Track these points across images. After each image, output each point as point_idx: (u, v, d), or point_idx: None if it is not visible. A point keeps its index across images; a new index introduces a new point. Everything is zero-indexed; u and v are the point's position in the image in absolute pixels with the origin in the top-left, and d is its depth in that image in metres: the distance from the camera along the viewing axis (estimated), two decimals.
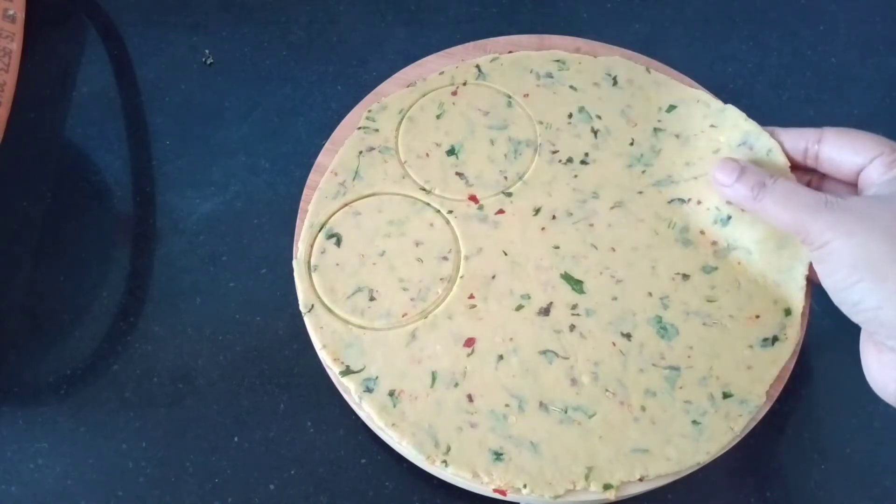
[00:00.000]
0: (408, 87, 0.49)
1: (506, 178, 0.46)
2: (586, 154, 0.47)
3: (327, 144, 0.47)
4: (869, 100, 0.54)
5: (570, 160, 0.46)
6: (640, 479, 0.38)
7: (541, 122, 0.48)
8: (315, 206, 0.45)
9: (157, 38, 0.55)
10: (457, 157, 0.47)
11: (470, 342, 0.41)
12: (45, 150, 0.51)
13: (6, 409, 0.43)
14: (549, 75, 0.49)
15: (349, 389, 0.40)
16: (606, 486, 0.37)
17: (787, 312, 0.42)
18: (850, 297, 0.34)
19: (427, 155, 0.47)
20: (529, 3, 0.57)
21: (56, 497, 0.40)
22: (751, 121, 0.44)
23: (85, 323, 0.45)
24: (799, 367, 0.41)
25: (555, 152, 0.47)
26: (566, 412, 0.39)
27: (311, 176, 0.46)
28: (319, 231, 0.44)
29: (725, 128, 0.45)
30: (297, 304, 0.42)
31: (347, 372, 0.40)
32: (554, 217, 0.45)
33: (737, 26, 0.57)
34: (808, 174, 0.42)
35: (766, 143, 0.43)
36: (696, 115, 0.47)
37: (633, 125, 0.48)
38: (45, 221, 0.48)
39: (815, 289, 0.41)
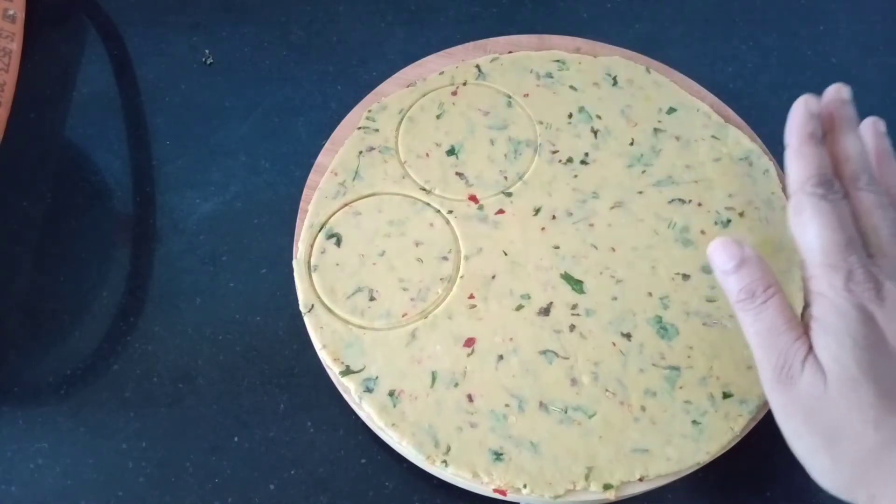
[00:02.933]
0: (408, 87, 0.49)
1: (506, 178, 0.46)
2: (586, 154, 0.47)
3: (327, 144, 0.47)
4: (869, 100, 0.54)
5: (570, 160, 0.47)
6: (640, 479, 0.38)
7: (541, 122, 0.48)
8: (315, 206, 0.45)
9: (157, 38, 0.55)
10: (457, 157, 0.47)
11: (470, 342, 0.41)
12: (45, 150, 0.51)
13: (6, 409, 0.43)
14: (549, 75, 0.49)
15: (349, 389, 0.40)
16: (606, 486, 0.37)
17: None
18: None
19: (427, 155, 0.47)
20: (529, 3, 0.57)
21: (56, 497, 0.40)
22: (757, 140, 0.46)
23: (85, 323, 0.45)
24: None
25: (555, 152, 0.47)
26: (566, 412, 0.39)
27: (311, 176, 0.46)
28: (319, 231, 0.44)
29: (728, 141, 0.46)
30: (297, 304, 0.42)
31: (347, 372, 0.40)
32: (554, 217, 0.45)
33: (737, 26, 0.57)
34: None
35: (765, 163, 0.45)
36: (696, 123, 0.47)
37: (633, 125, 0.48)
38: (45, 221, 0.48)
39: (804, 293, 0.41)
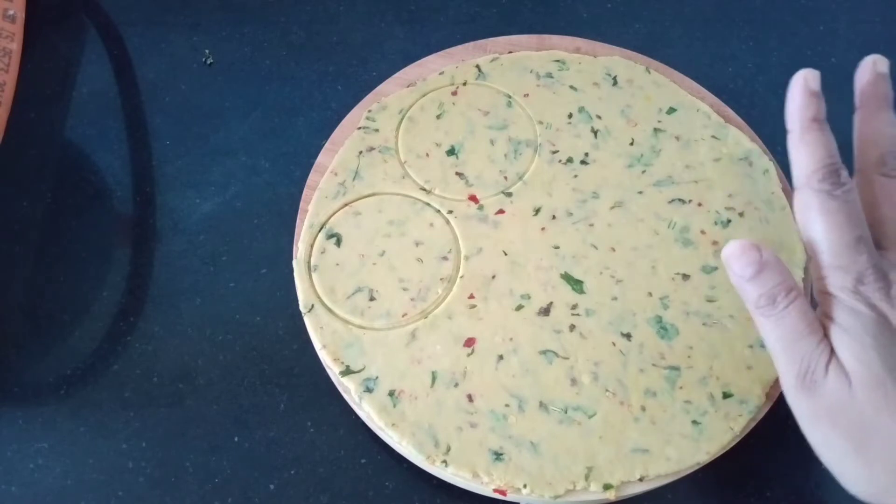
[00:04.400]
0: (408, 87, 0.49)
1: (506, 178, 0.46)
2: (586, 154, 0.47)
3: (327, 144, 0.47)
4: None
5: (570, 160, 0.47)
6: (640, 479, 0.38)
7: (541, 122, 0.48)
8: (315, 206, 0.45)
9: (157, 38, 0.55)
10: (457, 157, 0.47)
11: (470, 342, 0.41)
12: (45, 150, 0.51)
13: (6, 409, 0.43)
14: (549, 75, 0.49)
15: (349, 389, 0.40)
16: (606, 486, 0.37)
17: None
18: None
19: (427, 155, 0.47)
20: (529, 3, 0.57)
21: (56, 497, 0.40)
22: (757, 140, 0.46)
23: (85, 323, 0.45)
24: None
25: (555, 152, 0.47)
26: (566, 412, 0.39)
27: (311, 176, 0.46)
28: (319, 231, 0.44)
29: (728, 141, 0.46)
30: (297, 304, 0.42)
31: (347, 372, 0.40)
32: (554, 217, 0.45)
33: (737, 26, 0.57)
34: None
35: (765, 163, 0.45)
36: (696, 123, 0.47)
37: (633, 125, 0.48)
38: (45, 221, 0.48)
39: (813, 291, 0.41)
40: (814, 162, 0.35)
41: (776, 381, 0.40)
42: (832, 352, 0.33)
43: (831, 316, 0.33)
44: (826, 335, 0.33)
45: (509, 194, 0.45)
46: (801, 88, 0.36)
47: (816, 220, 0.34)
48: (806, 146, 0.35)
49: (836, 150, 0.35)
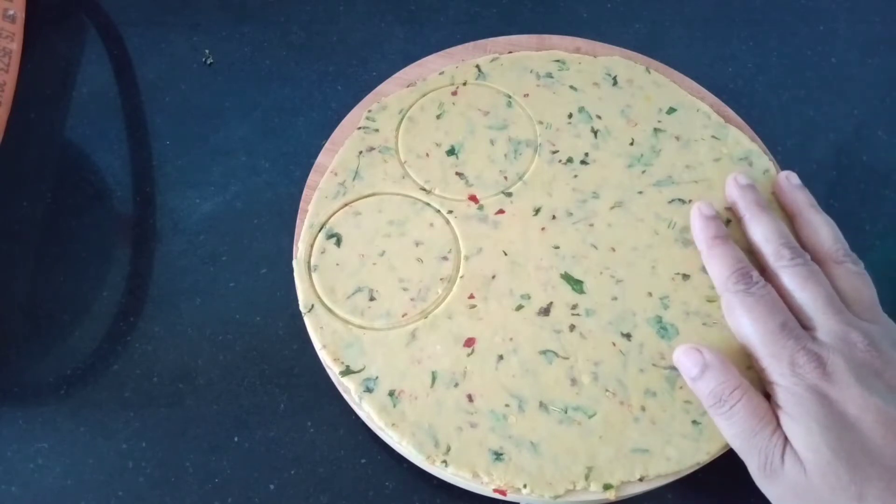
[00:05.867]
0: (408, 87, 0.49)
1: (506, 178, 0.46)
2: (586, 154, 0.47)
3: (327, 144, 0.47)
4: (869, 100, 0.54)
5: (570, 160, 0.46)
6: (640, 479, 0.38)
7: (541, 122, 0.48)
8: (315, 206, 0.45)
9: (157, 38, 0.55)
10: (457, 157, 0.47)
11: (470, 342, 0.41)
12: (45, 150, 0.51)
13: (6, 409, 0.43)
14: (549, 75, 0.49)
15: (349, 389, 0.40)
16: (606, 486, 0.37)
17: None
18: None
19: (427, 155, 0.47)
20: (529, 3, 0.57)
21: (56, 497, 0.40)
22: (757, 140, 0.46)
23: (85, 323, 0.45)
24: None
25: (555, 152, 0.47)
26: (566, 412, 0.39)
27: (311, 176, 0.46)
28: (319, 231, 0.44)
29: (728, 141, 0.46)
30: (297, 304, 0.42)
31: (347, 372, 0.40)
32: (554, 217, 0.45)
33: (737, 26, 0.57)
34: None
35: (765, 163, 0.45)
36: (696, 123, 0.47)
37: (633, 125, 0.48)
38: (45, 221, 0.48)
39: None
40: (726, 269, 0.40)
41: None
42: (786, 440, 0.35)
43: (779, 404, 0.36)
44: (778, 424, 0.35)
45: (509, 194, 0.45)
46: (698, 215, 0.42)
47: (742, 317, 0.38)
48: (716, 258, 0.41)
49: (744, 257, 0.40)
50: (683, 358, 0.38)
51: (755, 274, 0.39)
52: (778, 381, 0.36)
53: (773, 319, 0.37)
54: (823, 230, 0.41)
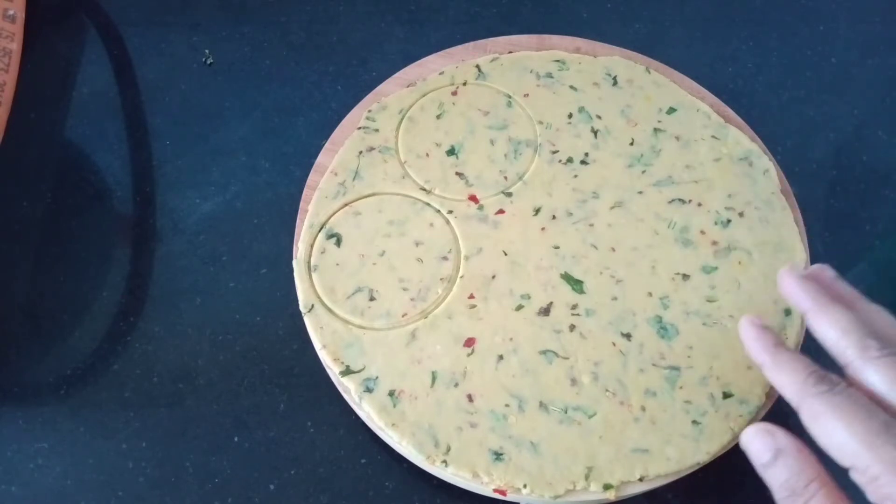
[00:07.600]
0: (408, 87, 0.49)
1: (506, 178, 0.46)
2: (586, 154, 0.47)
3: (327, 144, 0.47)
4: (869, 100, 0.54)
5: (570, 160, 0.46)
6: (640, 479, 0.38)
7: (541, 122, 0.48)
8: (315, 206, 0.45)
9: (157, 38, 0.55)
10: (457, 157, 0.47)
11: (470, 342, 0.41)
12: (45, 150, 0.51)
13: (6, 409, 0.43)
14: (549, 75, 0.49)
15: (349, 389, 0.40)
16: (606, 486, 0.37)
17: (787, 313, 0.42)
18: None
19: (427, 155, 0.47)
20: (529, 3, 0.57)
21: (56, 497, 0.40)
22: (757, 140, 0.46)
23: (85, 323, 0.45)
24: None
25: (555, 152, 0.47)
26: (566, 412, 0.39)
27: (311, 176, 0.46)
28: (319, 231, 0.44)
29: (728, 141, 0.46)
30: (297, 304, 0.42)
31: (347, 372, 0.40)
32: (554, 217, 0.45)
33: (737, 26, 0.57)
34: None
35: (765, 163, 0.45)
36: (696, 123, 0.47)
37: (633, 125, 0.48)
38: (45, 221, 0.48)
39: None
40: (800, 373, 0.34)
41: None
42: None
43: None
44: None
45: (509, 194, 0.45)
46: (750, 327, 0.36)
47: (833, 422, 0.31)
48: (785, 364, 0.34)
49: (815, 363, 0.34)
50: (755, 441, 0.33)
51: (836, 377, 0.33)
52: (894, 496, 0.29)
53: (872, 419, 0.31)
54: (884, 317, 0.35)
